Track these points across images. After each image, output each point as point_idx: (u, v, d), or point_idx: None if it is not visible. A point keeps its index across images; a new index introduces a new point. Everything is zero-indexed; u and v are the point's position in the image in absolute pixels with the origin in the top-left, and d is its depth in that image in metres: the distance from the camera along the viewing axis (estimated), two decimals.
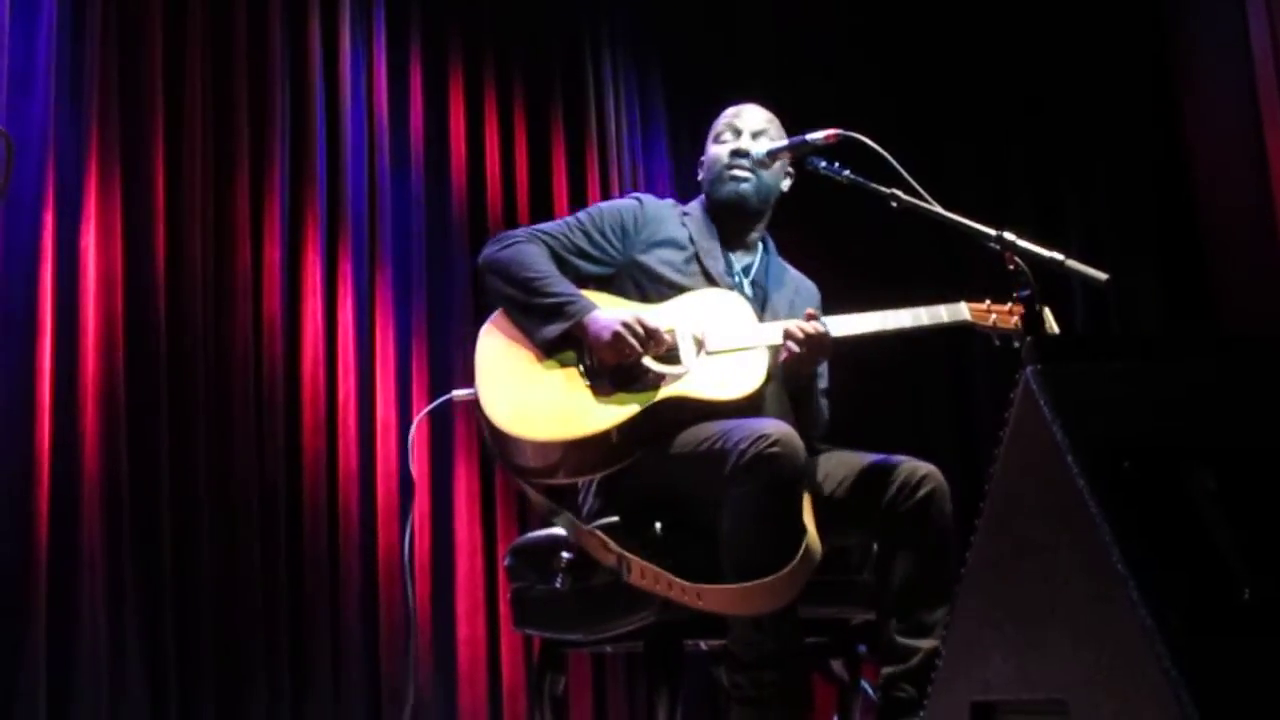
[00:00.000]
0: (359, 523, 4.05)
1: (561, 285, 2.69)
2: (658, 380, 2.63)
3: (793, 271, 3.00)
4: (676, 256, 2.81)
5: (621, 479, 2.64)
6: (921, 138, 4.60)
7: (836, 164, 2.71)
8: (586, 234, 2.81)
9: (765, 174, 2.87)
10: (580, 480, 2.73)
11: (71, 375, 3.58)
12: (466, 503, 4.34)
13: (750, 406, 2.61)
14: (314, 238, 4.13)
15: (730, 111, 2.97)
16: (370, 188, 4.31)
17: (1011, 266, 2.39)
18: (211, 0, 4.05)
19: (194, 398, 3.80)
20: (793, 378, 2.76)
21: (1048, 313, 2.41)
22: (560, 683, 2.86)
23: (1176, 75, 4.95)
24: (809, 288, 3.00)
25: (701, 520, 2.52)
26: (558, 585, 2.62)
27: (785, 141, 2.85)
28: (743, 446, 2.42)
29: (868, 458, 2.70)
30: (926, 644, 2.51)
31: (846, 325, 2.67)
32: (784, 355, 2.66)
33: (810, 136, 2.76)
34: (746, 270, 2.89)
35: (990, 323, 2.67)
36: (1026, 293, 2.38)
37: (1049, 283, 2.41)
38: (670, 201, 2.96)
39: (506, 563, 2.88)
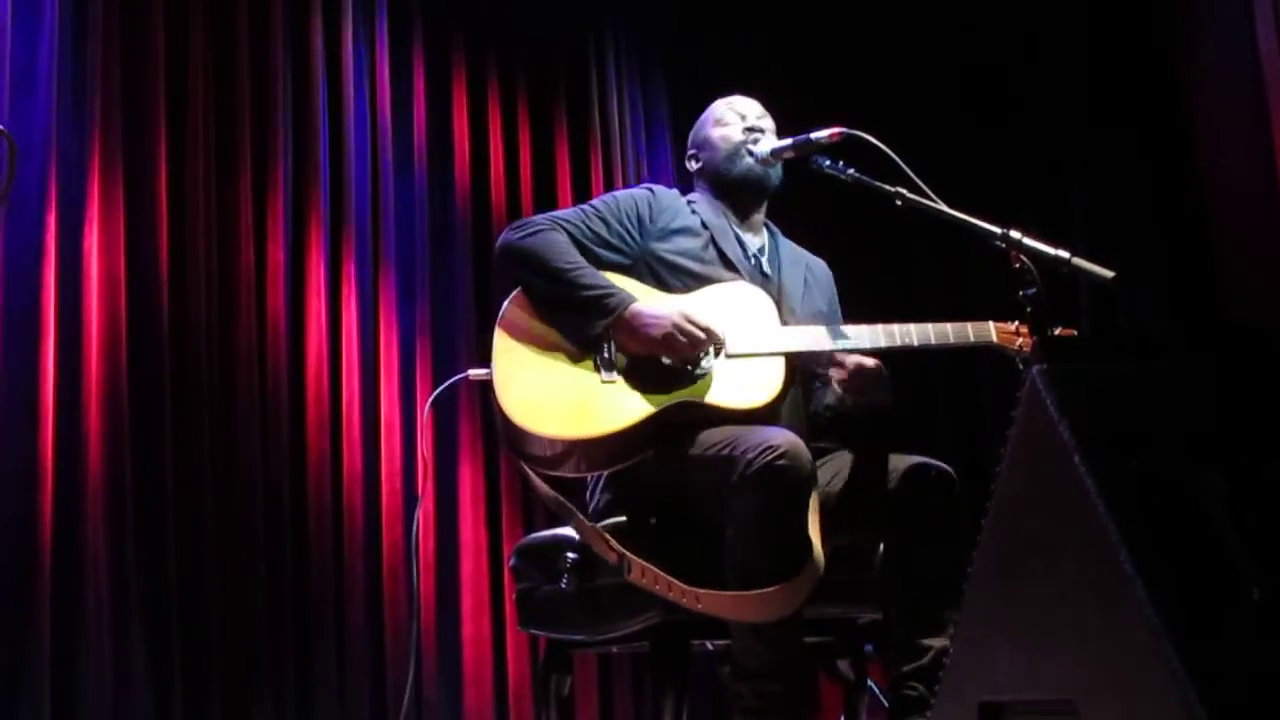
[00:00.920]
0: (363, 522, 4.05)
1: (596, 277, 2.63)
2: (674, 381, 2.59)
3: (802, 250, 2.98)
4: (693, 244, 2.78)
5: (629, 476, 2.62)
6: (922, 137, 4.58)
7: (841, 163, 2.70)
8: (605, 222, 2.75)
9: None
10: (588, 475, 2.71)
11: (75, 376, 3.58)
12: (471, 503, 4.34)
13: (766, 413, 2.59)
14: (317, 238, 4.13)
15: (724, 101, 2.95)
16: (374, 187, 4.31)
17: (1017, 265, 2.38)
18: (213, 1, 4.05)
19: (198, 398, 3.79)
20: (840, 401, 2.76)
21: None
22: (566, 683, 2.85)
23: (1182, 69, 4.94)
24: (820, 265, 2.99)
25: (707, 523, 2.50)
26: (563, 586, 2.60)
27: (789, 140, 2.82)
28: (750, 456, 2.40)
29: None
30: (938, 642, 2.50)
31: (869, 338, 2.64)
32: (839, 382, 2.69)
33: (814, 135, 2.73)
34: (761, 251, 2.87)
35: (1016, 346, 2.64)
36: (1032, 290, 2.37)
37: (1054, 281, 2.40)
38: (677, 191, 2.94)
39: (511, 563, 2.87)
